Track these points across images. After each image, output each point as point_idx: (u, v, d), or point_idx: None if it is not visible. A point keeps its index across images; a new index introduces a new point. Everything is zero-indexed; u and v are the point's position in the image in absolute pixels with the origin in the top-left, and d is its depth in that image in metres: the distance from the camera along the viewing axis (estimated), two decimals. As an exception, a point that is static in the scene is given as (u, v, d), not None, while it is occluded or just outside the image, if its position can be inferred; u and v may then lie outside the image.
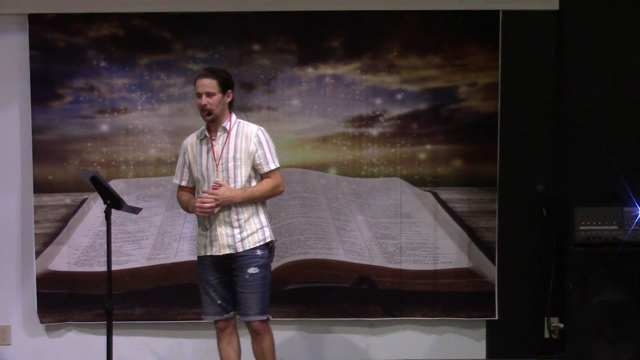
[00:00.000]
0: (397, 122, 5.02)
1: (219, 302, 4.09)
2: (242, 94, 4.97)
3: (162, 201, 5.04)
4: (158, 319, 5.06)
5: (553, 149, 5.03)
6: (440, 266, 5.04)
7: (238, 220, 4.04)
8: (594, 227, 4.68)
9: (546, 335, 5.03)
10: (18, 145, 5.02)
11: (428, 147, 5.03)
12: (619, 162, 4.87)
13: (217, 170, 4.04)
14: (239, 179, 4.05)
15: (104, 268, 4.20)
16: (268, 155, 4.09)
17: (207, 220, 4.07)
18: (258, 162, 4.07)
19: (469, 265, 5.05)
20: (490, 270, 5.03)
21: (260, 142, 4.07)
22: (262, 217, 4.11)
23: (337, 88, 5.00)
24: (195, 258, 4.93)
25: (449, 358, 5.10)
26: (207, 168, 4.06)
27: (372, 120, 5.02)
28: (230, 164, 4.04)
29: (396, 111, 5.01)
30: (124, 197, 4.37)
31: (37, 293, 4.98)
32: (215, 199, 3.96)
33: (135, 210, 4.23)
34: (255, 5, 4.96)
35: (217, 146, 4.06)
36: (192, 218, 4.97)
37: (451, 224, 5.05)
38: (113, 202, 4.00)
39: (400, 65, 4.99)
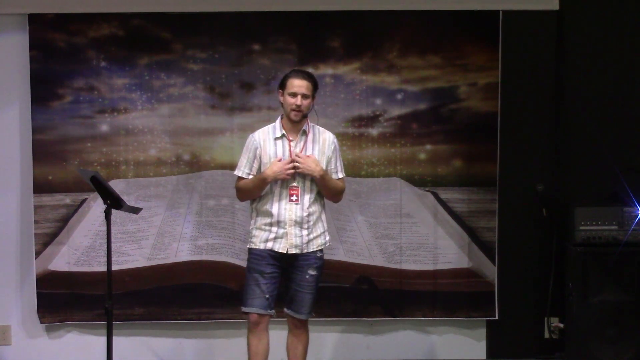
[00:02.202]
0: (397, 122, 5.01)
1: (267, 296, 4.09)
2: (242, 94, 4.97)
3: (162, 201, 5.03)
4: (158, 319, 5.05)
5: (553, 149, 5.03)
6: (440, 266, 5.04)
7: (308, 222, 4.09)
8: (594, 227, 4.68)
9: (546, 335, 5.03)
10: (18, 145, 5.01)
11: (428, 147, 5.03)
12: (619, 162, 4.87)
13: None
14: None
15: (103, 268, 4.21)
16: (340, 163, 4.23)
17: (276, 214, 4.07)
18: (331, 167, 4.16)
19: (469, 265, 5.05)
20: (490, 270, 5.03)
21: (336, 150, 4.19)
22: (325, 221, 4.21)
23: (337, 88, 5.00)
24: (192, 258, 5.00)
25: (449, 358, 5.10)
26: None
27: (372, 120, 5.01)
28: None
29: (396, 111, 5.01)
30: (124, 197, 4.37)
31: (37, 293, 4.97)
32: (300, 163, 4.00)
33: (135, 210, 4.23)
34: (255, 5, 4.96)
35: (296, 148, 4.10)
36: (192, 218, 4.98)
37: (451, 224, 5.05)
38: (113, 202, 4.00)
39: (400, 65, 4.99)
